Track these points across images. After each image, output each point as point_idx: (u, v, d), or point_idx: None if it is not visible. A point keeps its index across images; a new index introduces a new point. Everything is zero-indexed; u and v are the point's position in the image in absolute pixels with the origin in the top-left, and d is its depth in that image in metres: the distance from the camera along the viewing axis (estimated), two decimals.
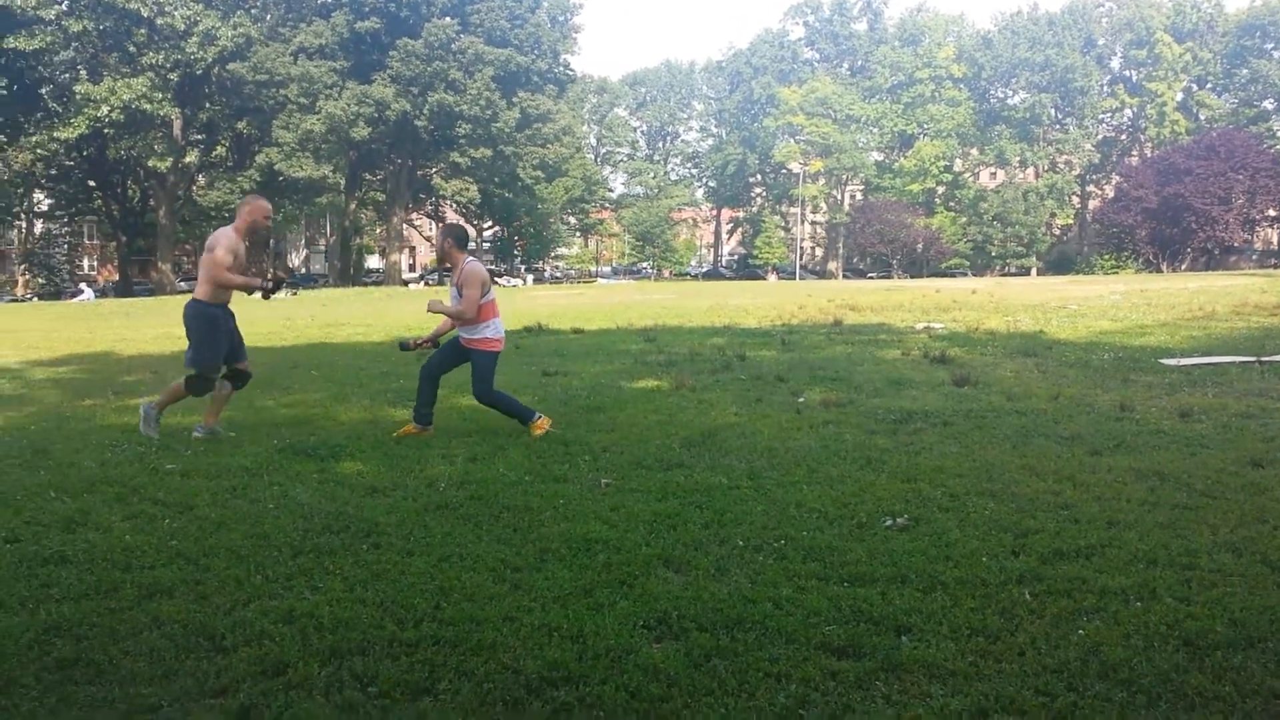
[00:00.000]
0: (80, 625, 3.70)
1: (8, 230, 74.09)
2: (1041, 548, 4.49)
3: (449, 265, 7.59)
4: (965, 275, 75.00)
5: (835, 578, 4.12)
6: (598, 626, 3.62)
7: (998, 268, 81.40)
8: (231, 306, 7.50)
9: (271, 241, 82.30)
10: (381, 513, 5.17)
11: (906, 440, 6.82)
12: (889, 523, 4.87)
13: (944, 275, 72.85)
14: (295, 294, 48.54)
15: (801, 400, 8.60)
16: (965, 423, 7.42)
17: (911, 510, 5.09)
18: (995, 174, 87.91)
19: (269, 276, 7.28)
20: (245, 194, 56.47)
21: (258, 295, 7.59)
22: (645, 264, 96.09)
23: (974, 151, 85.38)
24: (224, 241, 7.25)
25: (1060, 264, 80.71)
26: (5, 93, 51.22)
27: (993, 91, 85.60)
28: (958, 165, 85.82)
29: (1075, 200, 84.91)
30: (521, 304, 29.48)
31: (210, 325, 7.29)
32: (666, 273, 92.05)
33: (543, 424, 7.32)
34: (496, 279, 75.37)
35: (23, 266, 77.37)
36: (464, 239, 7.65)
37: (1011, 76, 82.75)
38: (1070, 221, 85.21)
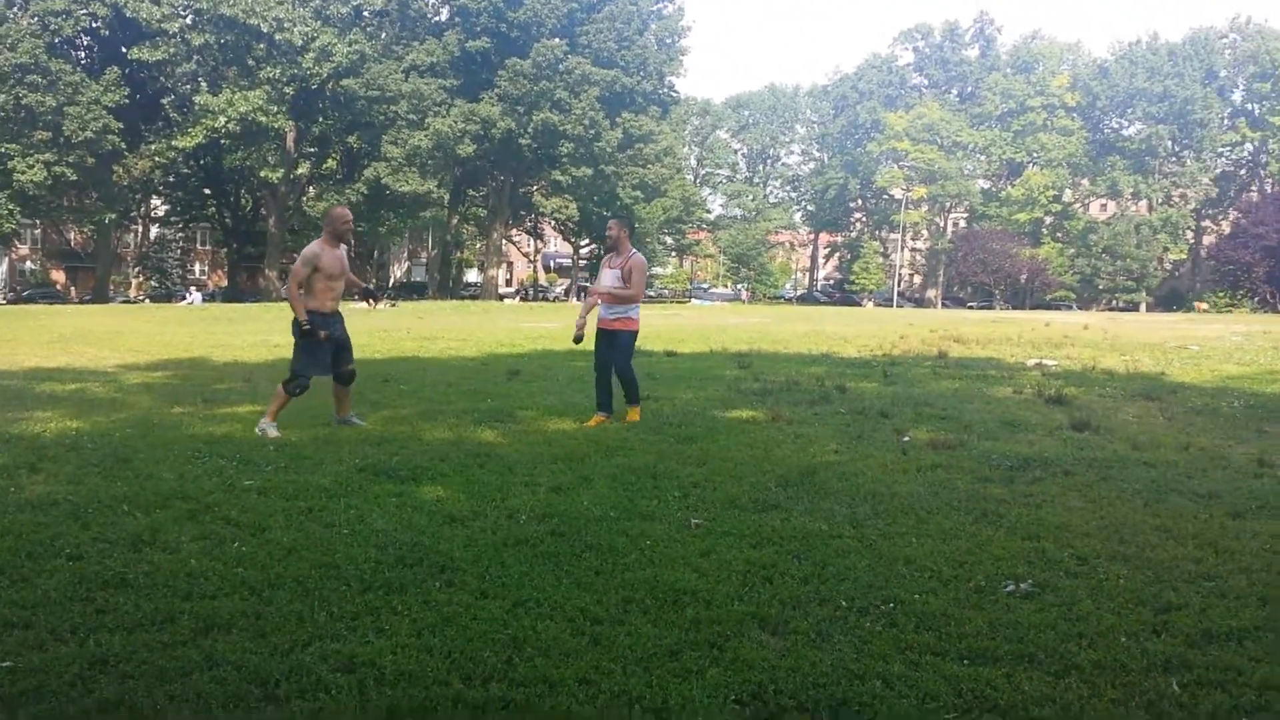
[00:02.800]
0: (129, 661, 3.46)
1: (125, 234, 76.93)
2: (1187, 627, 3.96)
3: (612, 249, 8.97)
4: (1071, 308, 72.93)
5: (953, 653, 3.66)
6: (684, 698, 3.23)
7: (1105, 301, 78.95)
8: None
9: (376, 253, 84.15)
10: (458, 545, 4.86)
11: (1024, 491, 6.26)
12: (1010, 588, 4.38)
13: (1048, 307, 70.96)
14: (394, 305, 49.35)
15: (907, 439, 8.07)
16: (1088, 473, 6.82)
17: (1035, 574, 4.58)
18: (1106, 205, 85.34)
19: (304, 325, 7.98)
20: (350, 205, 58.18)
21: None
22: (740, 285, 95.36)
23: (1085, 182, 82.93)
24: (303, 255, 8.09)
25: (1170, 300, 77.93)
26: (128, 101, 53.36)
27: (1107, 121, 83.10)
28: (1067, 195, 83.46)
29: (1189, 235, 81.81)
30: None
31: (297, 333, 8.05)
32: (745, 295, 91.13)
33: (636, 413, 8.78)
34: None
35: (137, 269, 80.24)
36: (633, 230, 9.36)
37: (1128, 106, 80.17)
38: (1183, 257, 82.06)
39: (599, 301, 8.97)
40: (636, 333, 9.04)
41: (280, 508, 5.56)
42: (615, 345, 8.84)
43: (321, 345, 8.05)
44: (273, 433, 7.85)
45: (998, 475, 6.72)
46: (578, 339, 9.19)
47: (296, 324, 8.02)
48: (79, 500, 5.61)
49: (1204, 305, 70.26)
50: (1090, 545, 5.06)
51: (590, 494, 6.00)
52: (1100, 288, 78.53)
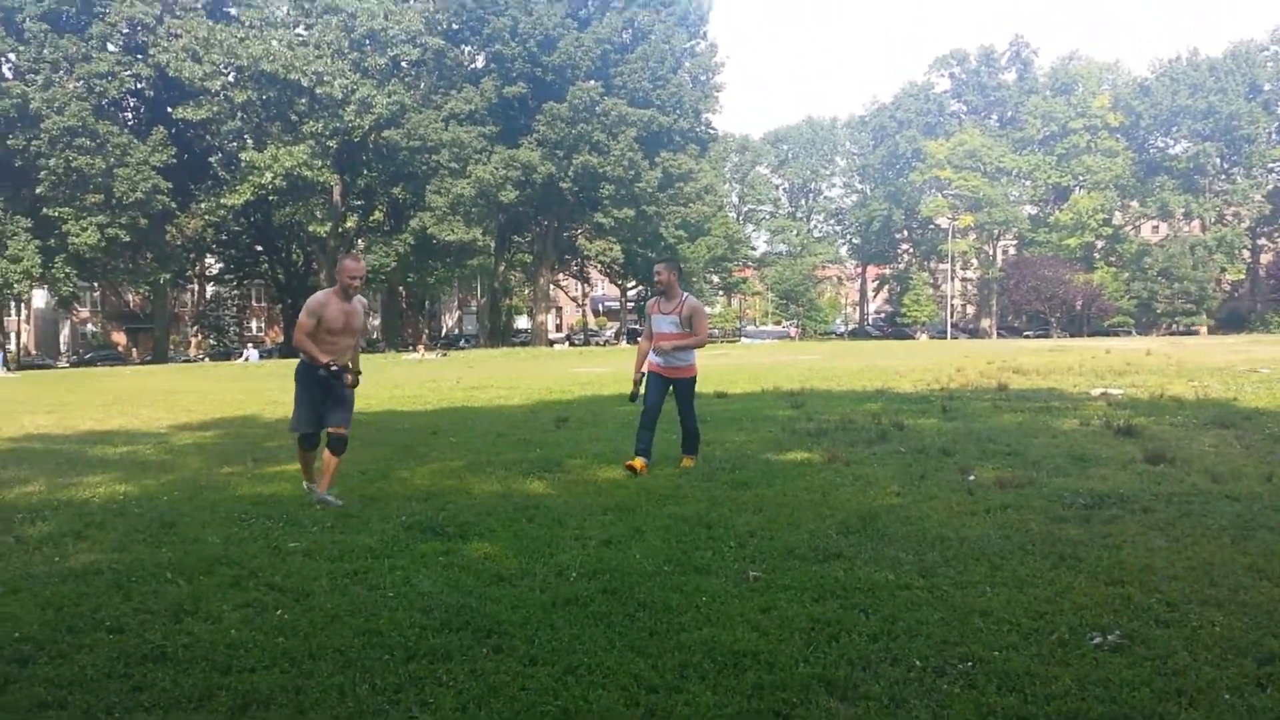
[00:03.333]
0: None
1: (181, 293, 78.43)
2: None
3: (661, 293, 8.74)
4: (1129, 334, 71.60)
5: (1040, 717, 3.36)
6: None
7: (1164, 326, 77.43)
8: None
9: (427, 304, 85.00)
10: (507, 607, 4.65)
11: (1102, 530, 5.92)
12: (1097, 640, 4.06)
13: (1106, 334, 69.77)
14: (445, 355, 49.71)
15: (972, 478, 7.73)
16: (1168, 509, 6.46)
17: (1123, 623, 4.26)
18: (1158, 227, 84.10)
19: (329, 366, 7.16)
20: (398, 256, 58.78)
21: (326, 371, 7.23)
22: (790, 322, 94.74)
23: (1134, 204, 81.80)
24: (307, 304, 7.28)
25: (1231, 322, 76.15)
26: (175, 161, 54.50)
27: (1152, 141, 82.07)
28: (1117, 218, 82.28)
29: (1246, 254, 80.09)
30: None
31: (299, 385, 7.40)
32: (793, 332, 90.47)
33: (692, 461, 8.67)
34: (638, 339, 75.85)
35: (195, 328, 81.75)
36: (681, 271, 9.17)
37: (1172, 125, 79.13)
38: (1241, 276, 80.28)
39: (651, 348, 8.67)
40: (696, 378, 8.87)
41: (325, 570, 5.40)
42: (680, 394, 8.63)
43: (313, 395, 7.23)
44: (328, 502, 7.24)
45: (1072, 515, 6.38)
46: (634, 397, 8.93)
47: (299, 369, 7.34)
48: (123, 568, 5.49)
49: (1202, 329, 68.66)
50: (1179, 589, 4.73)
51: (642, 546, 5.76)
52: (1159, 311, 77.04)
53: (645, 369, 8.79)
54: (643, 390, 8.83)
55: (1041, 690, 3.57)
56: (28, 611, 4.70)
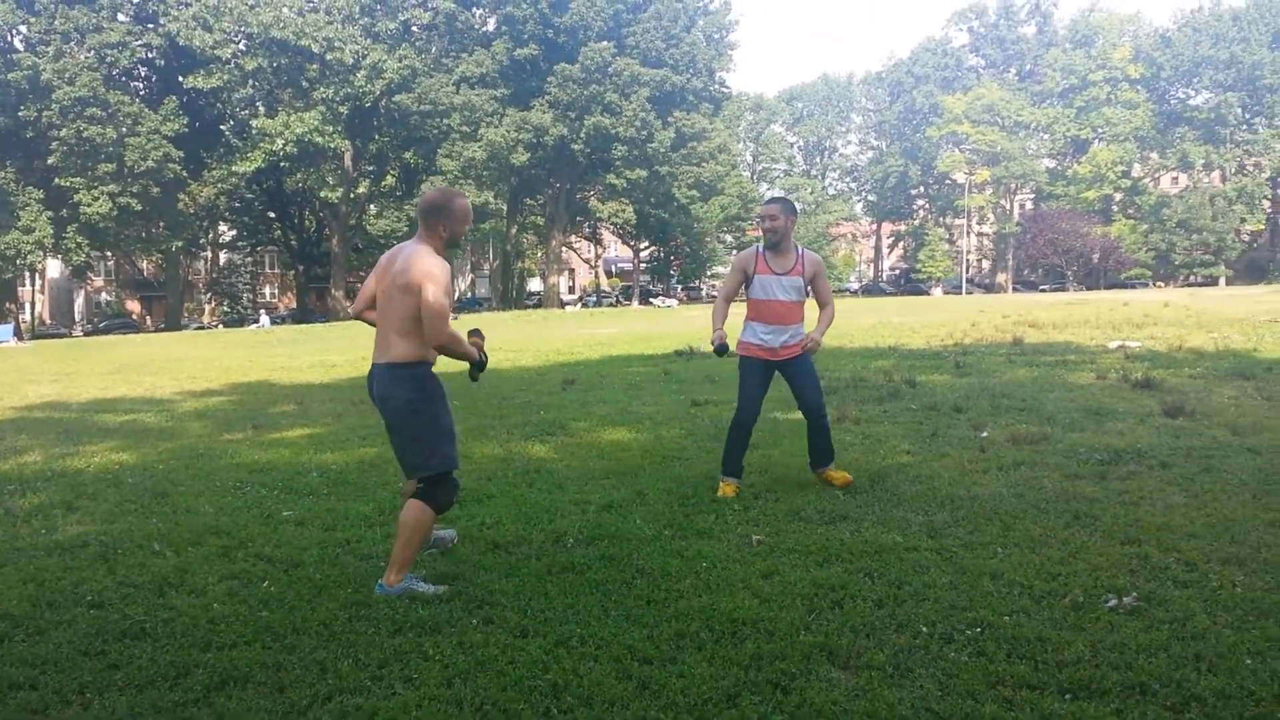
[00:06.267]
0: None
1: (194, 261, 78.42)
2: None
3: (772, 246, 5.98)
4: (1148, 286, 70.94)
5: (1052, 685, 3.18)
6: None
7: (1182, 277, 76.61)
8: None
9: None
10: (500, 576, 4.50)
11: (1119, 487, 5.72)
12: (1113, 602, 3.88)
13: (1123, 286, 69.07)
14: (455, 318, 49.54)
15: (984, 435, 7.54)
16: (1188, 464, 6.25)
17: (1140, 584, 4.08)
18: (1178, 179, 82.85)
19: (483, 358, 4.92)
20: (409, 221, 58.34)
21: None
22: None
23: (1154, 156, 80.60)
24: (440, 277, 4.35)
25: (1251, 272, 75.24)
26: (187, 130, 54.25)
27: (1173, 92, 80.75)
28: (1136, 170, 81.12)
29: (1267, 205, 78.93)
30: (676, 326, 28.90)
31: (436, 400, 4.52)
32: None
33: (844, 475, 6.06)
34: (651, 299, 75.42)
35: (209, 295, 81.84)
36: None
37: (1194, 76, 77.76)
38: (1261, 227, 79.16)
39: (766, 323, 6.10)
40: None
41: (317, 540, 5.26)
42: (803, 373, 6.10)
43: (448, 409, 4.60)
44: (425, 589, 4.36)
45: (1088, 471, 6.18)
46: (723, 350, 6.09)
47: (427, 383, 4.49)
48: (110, 540, 5.37)
49: (1221, 279, 67.61)
50: (1198, 548, 4.54)
51: (643, 511, 5.60)
52: (1176, 263, 76.21)
53: (721, 339, 6.14)
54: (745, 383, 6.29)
55: (1053, 656, 3.39)
56: (10, 586, 4.59)
